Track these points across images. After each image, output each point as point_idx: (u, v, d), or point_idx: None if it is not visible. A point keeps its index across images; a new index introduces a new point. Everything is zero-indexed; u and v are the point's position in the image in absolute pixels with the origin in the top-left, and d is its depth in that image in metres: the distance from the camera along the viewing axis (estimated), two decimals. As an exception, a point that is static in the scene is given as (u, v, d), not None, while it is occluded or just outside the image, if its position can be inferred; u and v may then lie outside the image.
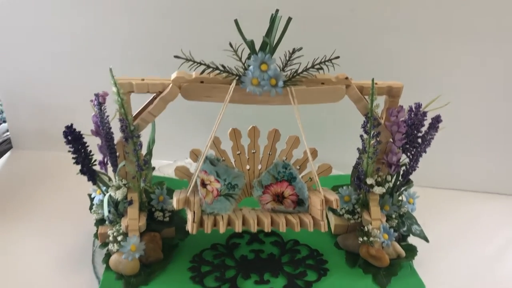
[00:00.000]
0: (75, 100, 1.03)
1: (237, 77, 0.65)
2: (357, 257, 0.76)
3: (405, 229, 0.80)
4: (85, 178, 0.73)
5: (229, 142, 0.74)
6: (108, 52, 0.98)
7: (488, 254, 0.86)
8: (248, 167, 0.76)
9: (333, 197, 0.70)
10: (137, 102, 0.69)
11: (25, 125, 1.09)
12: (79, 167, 0.70)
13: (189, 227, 0.67)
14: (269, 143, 0.75)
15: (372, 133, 0.71)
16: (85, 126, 0.70)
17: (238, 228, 0.69)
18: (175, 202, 0.67)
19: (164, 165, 0.99)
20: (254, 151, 0.75)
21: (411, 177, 0.79)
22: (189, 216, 0.67)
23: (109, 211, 0.71)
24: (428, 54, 0.94)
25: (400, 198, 0.80)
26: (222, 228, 0.68)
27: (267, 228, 0.70)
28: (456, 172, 1.07)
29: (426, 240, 0.80)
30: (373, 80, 0.68)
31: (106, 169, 0.73)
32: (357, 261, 0.75)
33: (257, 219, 0.70)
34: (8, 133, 1.12)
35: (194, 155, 0.72)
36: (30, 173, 1.01)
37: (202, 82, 0.66)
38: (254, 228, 0.69)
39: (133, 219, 0.70)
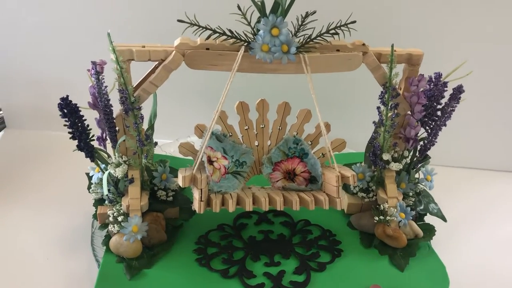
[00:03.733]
0: (70, 75, 0.99)
1: (245, 43, 0.61)
2: (373, 238, 0.73)
3: (422, 207, 0.77)
4: (82, 157, 0.69)
5: (236, 117, 0.71)
6: (104, 21, 0.93)
7: (509, 233, 0.83)
8: (256, 143, 0.72)
9: (349, 173, 0.66)
10: (137, 71, 0.65)
11: (19, 104, 1.05)
12: (76, 143, 0.66)
13: (195, 206, 0.63)
14: (279, 117, 0.72)
15: (390, 104, 0.66)
16: (82, 103, 0.66)
17: (249, 207, 0.65)
18: (180, 180, 0.63)
19: (165, 144, 0.94)
20: (263, 125, 0.71)
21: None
22: (196, 195, 0.63)
23: (108, 190, 0.67)
24: (450, 20, 0.89)
25: (416, 175, 0.77)
26: (231, 207, 0.65)
27: (280, 206, 0.66)
28: (475, 150, 1.04)
29: (444, 219, 0.77)
30: (392, 46, 0.64)
31: (104, 145, 0.69)
32: (372, 241, 0.73)
33: (268, 197, 0.67)
34: (1, 112, 1.09)
35: (199, 130, 0.68)
36: (25, 153, 0.99)
37: (207, 49, 0.61)
38: (265, 207, 0.66)
39: (135, 198, 0.66)
